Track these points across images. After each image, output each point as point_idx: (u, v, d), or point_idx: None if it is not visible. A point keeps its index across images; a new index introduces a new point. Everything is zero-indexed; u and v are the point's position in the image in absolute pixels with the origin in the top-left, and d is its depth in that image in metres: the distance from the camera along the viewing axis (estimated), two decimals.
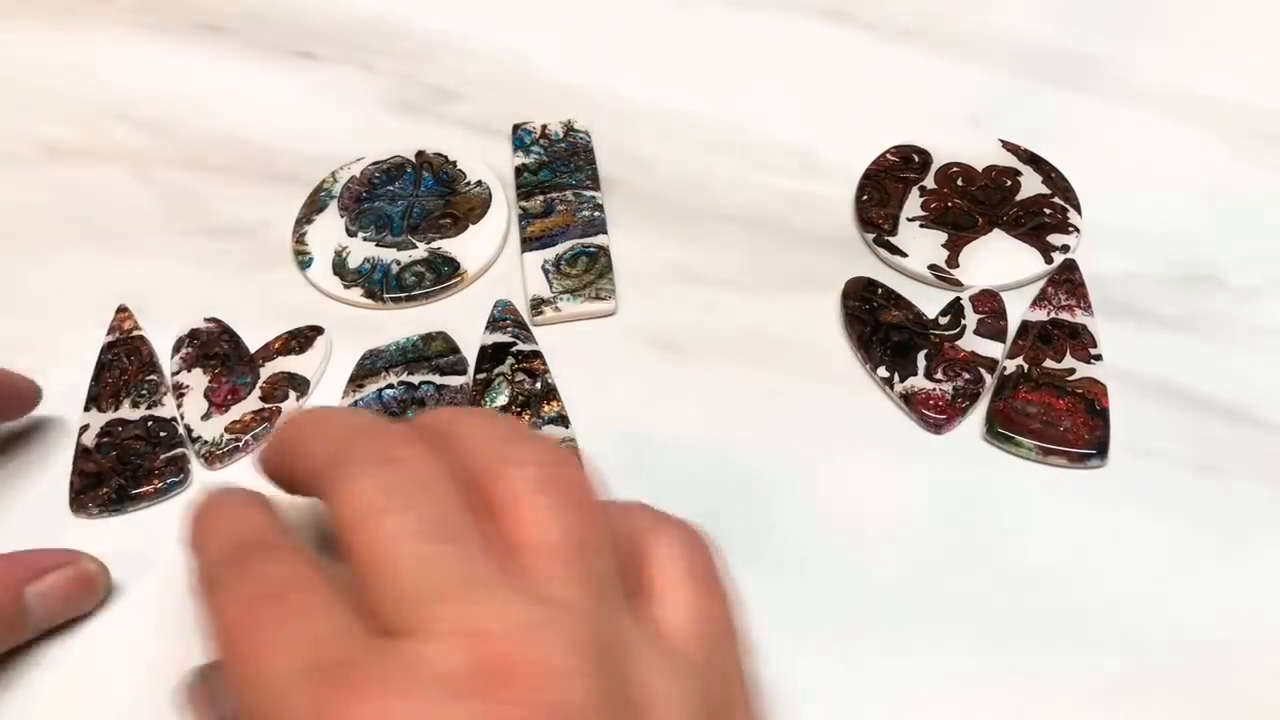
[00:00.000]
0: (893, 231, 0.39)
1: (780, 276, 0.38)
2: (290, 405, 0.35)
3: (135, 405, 0.35)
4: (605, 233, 0.39)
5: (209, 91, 0.45)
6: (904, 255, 0.38)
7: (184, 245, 0.40)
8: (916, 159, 0.41)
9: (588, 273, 0.38)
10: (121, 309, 0.38)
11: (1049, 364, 0.35)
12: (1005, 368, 0.35)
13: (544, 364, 0.36)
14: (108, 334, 0.37)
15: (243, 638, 0.20)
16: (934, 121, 0.42)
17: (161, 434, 0.34)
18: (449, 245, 0.39)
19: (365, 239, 0.40)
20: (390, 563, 0.20)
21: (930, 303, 0.37)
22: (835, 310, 0.37)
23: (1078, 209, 0.39)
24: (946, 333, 0.36)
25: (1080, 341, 0.35)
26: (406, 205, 0.41)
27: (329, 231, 0.40)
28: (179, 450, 0.34)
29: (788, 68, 0.45)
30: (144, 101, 0.45)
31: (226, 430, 0.34)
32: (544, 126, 0.43)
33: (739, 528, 0.32)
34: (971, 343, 0.35)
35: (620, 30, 0.47)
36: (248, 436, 0.34)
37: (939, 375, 0.35)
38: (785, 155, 0.42)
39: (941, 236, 0.39)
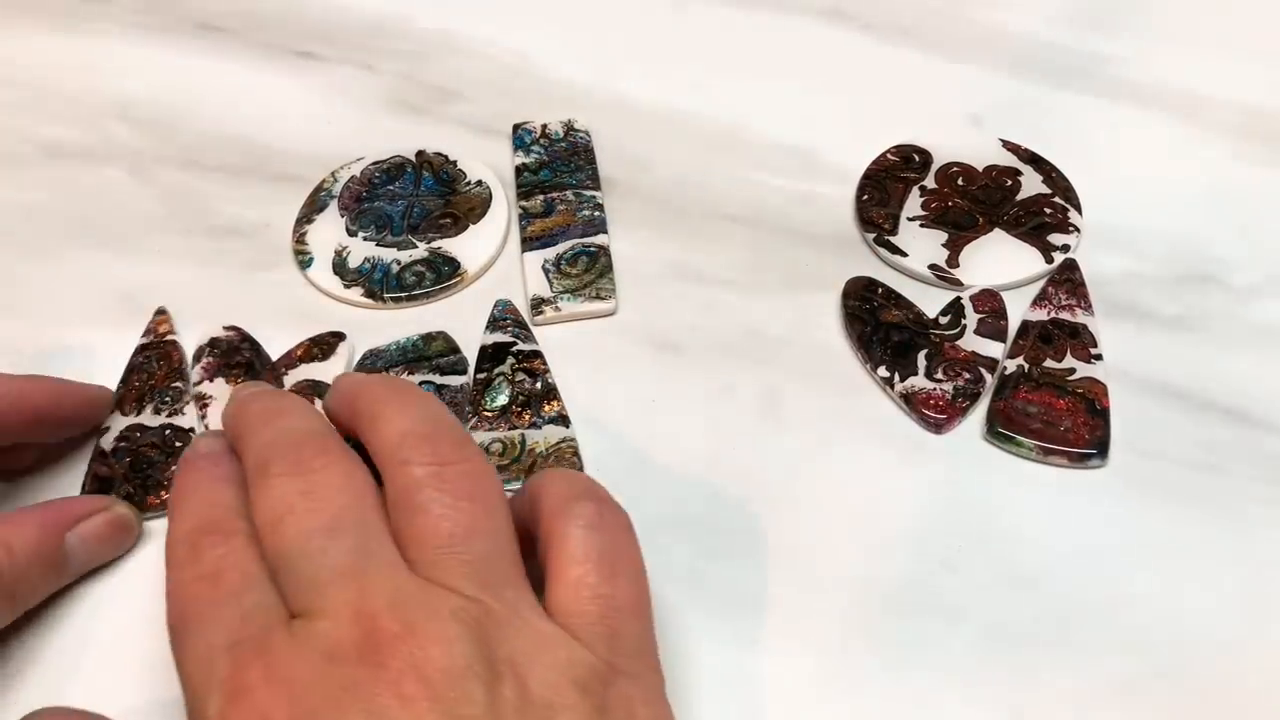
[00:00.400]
0: (893, 231, 0.39)
1: (780, 276, 0.38)
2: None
3: (157, 412, 0.35)
4: (605, 232, 0.39)
5: (209, 91, 0.45)
6: (904, 255, 0.38)
7: (184, 245, 0.40)
8: (917, 159, 0.41)
9: (588, 272, 0.38)
10: (160, 311, 0.37)
11: (1049, 364, 0.35)
12: (1006, 367, 0.35)
13: (544, 363, 0.36)
14: (142, 336, 0.37)
15: (186, 613, 0.24)
16: (934, 121, 0.42)
17: (177, 444, 0.34)
18: (449, 245, 0.39)
19: (365, 239, 0.40)
20: (299, 554, 0.24)
21: (931, 303, 0.37)
22: (835, 310, 0.37)
23: (1078, 209, 0.39)
24: (947, 332, 0.36)
25: (1081, 341, 0.35)
26: (407, 205, 0.41)
27: (329, 231, 0.40)
28: None
29: (788, 68, 0.45)
30: (144, 101, 0.45)
31: None
32: (544, 126, 0.43)
33: (738, 527, 0.32)
34: (972, 342, 0.35)
35: (620, 30, 0.47)
36: None
37: (939, 375, 0.35)
38: (785, 155, 0.42)
39: (942, 236, 0.39)
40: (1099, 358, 0.35)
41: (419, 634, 0.22)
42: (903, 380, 0.35)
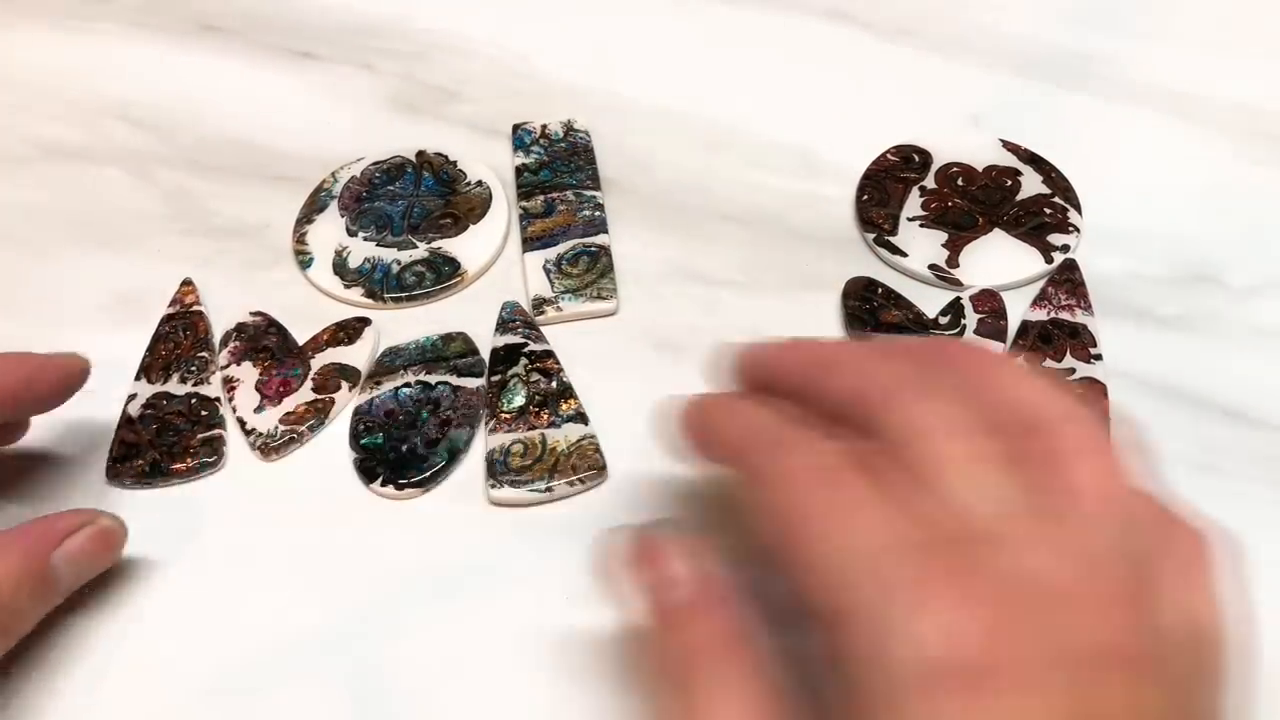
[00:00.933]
0: (893, 231, 0.39)
1: (780, 276, 0.38)
2: (342, 395, 0.35)
3: (183, 381, 0.36)
4: (606, 232, 0.39)
5: (209, 91, 0.45)
6: (904, 255, 0.38)
7: (184, 245, 0.40)
8: (917, 159, 0.41)
9: (589, 272, 0.38)
10: (186, 282, 0.38)
11: (1049, 364, 0.35)
12: None
13: (557, 363, 0.36)
14: (169, 305, 0.37)
15: (812, 519, 0.21)
16: (934, 121, 0.42)
17: (203, 413, 0.35)
18: (449, 245, 0.39)
19: (366, 239, 0.40)
20: (958, 477, 0.21)
21: (930, 303, 0.37)
22: (835, 310, 0.37)
23: (1078, 209, 0.39)
24: (947, 332, 0.36)
25: (1080, 341, 0.35)
26: (407, 205, 0.41)
27: (329, 231, 0.40)
28: (216, 431, 0.35)
29: (788, 68, 0.45)
30: (144, 101, 0.45)
31: (281, 422, 0.35)
32: (544, 126, 0.43)
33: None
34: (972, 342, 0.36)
35: (620, 30, 0.47)
36: (302, 428, 0.35)
37: None
38: (785, 155, 0.42)
39: (942, 236, 0.39)
40: (1099, 358, 0.35)
41: (1096, 593, 0.20)
42: None
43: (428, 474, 0.33)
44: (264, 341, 0.37)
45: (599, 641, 0.30)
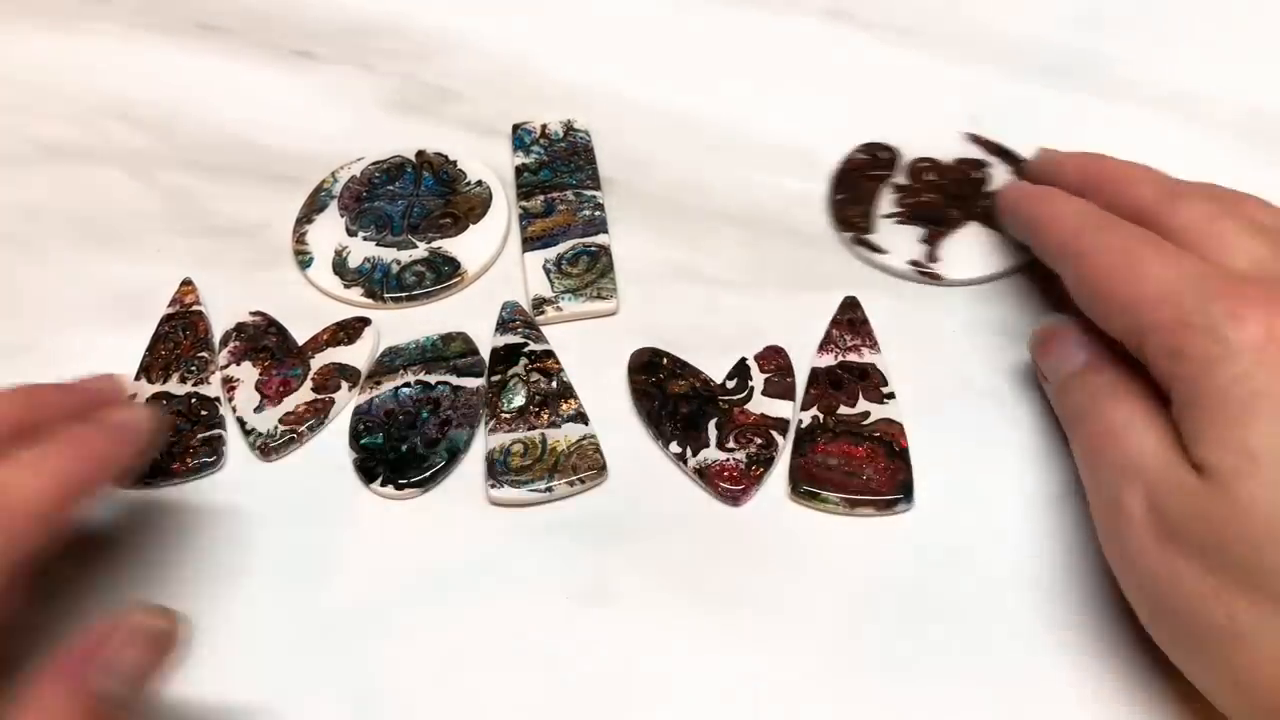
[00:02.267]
0: (869, 230, 0.39)
1: (780, 276, 0.38)
2: (342, 395, 0.35)
3: (183, 380, 0.36)
4: (606, 232, 0.39)
5: (209, 91, 0.45)
6: (885, 253, 0.38)
7: (184, 245, 0.40)
8: (884, 155, 0.41)
9: (589, 272, 0.38)
10: (186, 282, 0.38)
11: (844, 410, 0.34)
12: (802, 421, 0.34)
13: (558, 362, 0.36)
14: (168, 306, 0.38)
15: (1129, 269, 0.28)
16: (934, 121, 0.42)
17: (203, 412, 0.35)
18: (449, 245, 0.39)
19: (365, 239, 0.40)
20: (1238, 245, 0.28)
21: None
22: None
23: None
24: (734, 397, 0.34)
25: (871, 382, 0.34)
26: (407, 205, 0.41)
27: (329, 231, 0.40)
28: (216, 431, 0.35)
29: (788, 68, 0.45)
30: (144, 101, 0.45)
31: (280, 422, 0.35)
32: (544, 126, 0.43)
33: (743, 527, 0.32)
34: (760, 404, 0.34)
35: (620, 30, 0.47)
36: (302, 428, 0.34)
37: (730, 444, 0.33)
38: (785, 155, 0.42)
39: (919, 232, 0.38)
40: (891, 396, 0.34)
41: None
42: (695, 454, 0.33)
43: (427, 474, 0.33)
44: (264, 341, 0.37)
45: (599, 641, 0.30)
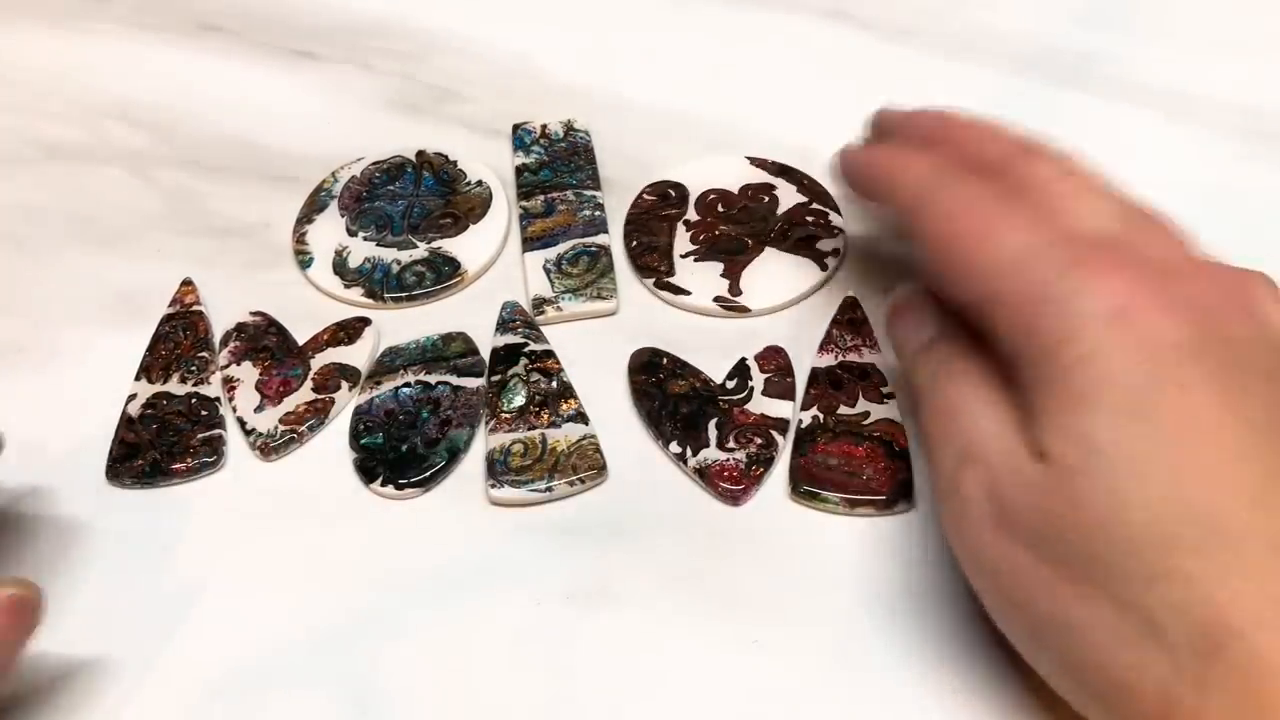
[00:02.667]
0: (670, 272, 0.38)
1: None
2: (342, 395, 0.35)
3: (183, 381, 0.36)
4: (606, 232, 0.39)
5: (209, 91, 0.45)
6: (688, 294, 0.37)
7: (184, 245, 0.40)
8: (673, 194, 0.40)
9: (589, 272, 0.38)
10: (186, 282, 0.38)
11: (844, 410, 0.34)
12: (802, 421, 0.34)
13: (558, 362, 0.36)
14: (169, 305, 0.38)
15: (977, 232, 0.27)
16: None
17: (203, 412, 0.35)
18: (449, 245, 0.39)
19: (366, 239, 0.40)
20: (1077, 203, 0.28)
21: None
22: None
23: (837, 210, 0.39)
24: (734, 397, 0.34)
25: (871, 382, 0.34)
26: (407, 205, 0.41)
27: (329, 231, 0.40)
28: (217, 431, 0.35)
29: (787, 68, 0.45)
30: (144, 101, 0.45)
31: (280, 422, 0.35)
32: (544, 126, 0.43)
33: (743, 527, 0.32)
34: (761, 404, 0.34)
35: (620, 30, 0.47)
36: (302, 428, 0.34)
37: (731, 444, 0.33)
38: (785, 155, 0.42)
39: (718, 266, 0.38)
40: (891, 396, 0.34)
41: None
42: (695, 454, 0.33)
43: (428, 474, 0.33)
44: (264, 341, 0.37)
45: (599, 641, 0.30)
